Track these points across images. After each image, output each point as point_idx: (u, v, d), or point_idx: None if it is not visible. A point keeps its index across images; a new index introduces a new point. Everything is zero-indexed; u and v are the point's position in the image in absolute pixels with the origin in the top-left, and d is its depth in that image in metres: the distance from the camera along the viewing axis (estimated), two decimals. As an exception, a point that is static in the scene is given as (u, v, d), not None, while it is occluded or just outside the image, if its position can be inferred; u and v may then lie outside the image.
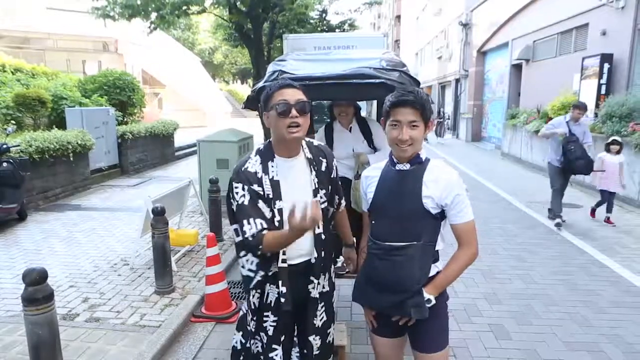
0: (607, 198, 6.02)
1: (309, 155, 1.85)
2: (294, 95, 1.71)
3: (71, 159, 7.51)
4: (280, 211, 1.74)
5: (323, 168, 1.87)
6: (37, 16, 17.27)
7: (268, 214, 1.72)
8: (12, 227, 5.76)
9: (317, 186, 1.82)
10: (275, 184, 1.75)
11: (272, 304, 1.82)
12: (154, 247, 3.77)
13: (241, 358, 1.99)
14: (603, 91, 8.74)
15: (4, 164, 5.55)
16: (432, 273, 1.73)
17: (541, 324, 3.42)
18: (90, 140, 8.05)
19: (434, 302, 1.69)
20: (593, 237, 5.48)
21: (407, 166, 1.72)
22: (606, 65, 8.72)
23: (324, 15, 14.95)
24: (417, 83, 2.59)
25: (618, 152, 5.90)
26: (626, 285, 4.14)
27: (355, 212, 2.77)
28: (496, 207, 7.14)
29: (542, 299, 3.86)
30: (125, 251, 4.88)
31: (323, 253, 1.84)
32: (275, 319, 1.84)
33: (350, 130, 3.21)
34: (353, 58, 2.87)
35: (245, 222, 1.68)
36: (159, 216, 3.73)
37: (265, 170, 1.75)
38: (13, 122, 8.10)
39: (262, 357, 1.88)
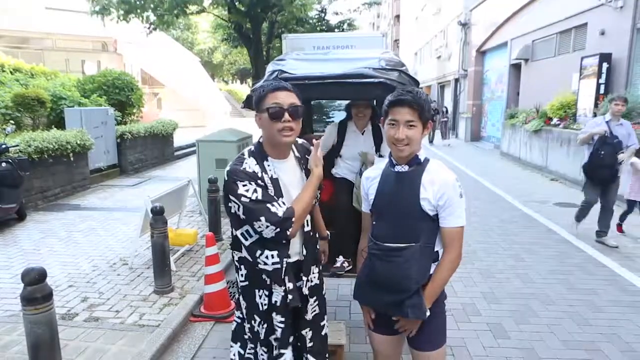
0: (633, 207, 5.38)
1: (298, 154, 1.90)
2: (287, 98, 1.70)
3: (70, 158, 7.51)
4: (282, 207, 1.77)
5: (309, 166, 1.92)
6: (36, 16, 17.24)
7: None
8: (11, 227, 5.76)
9: (306, 179, 1.87)
10: (275, 182, 1.76)
11: (279, 304, 1.81)
12: (153, 246, 3.77)
13: None
14: (602, 91, 8.74)
15: (3, 164, 5.54)
16: (431, 272, 1.74)
17: (539, 323, 3.43)
18: (89, 140, 8.04)
19: (429, 313, 1.69)
20: (591, 237, 5.49)
21: (406, 168, 1.72)
22: (605, 65, 8.73)
23: (323, 15, 14.95)
24: (417, 83, 2.59)
25: None
26: (624, 284, 4.16)
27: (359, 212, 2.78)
28: (495, 207, 7.15)
29: (540, 298, 3.87)
30: (124, 251, 4.88)
31: (310, 249, 1.89)
32: (283, 319, 1.82)
33: (363, 134, 3.22)
34: (352, 58, 2.87)
35: (270, 207, 1.66)
36: (158, 216, 3.73)
37: (264, 170, 1.75)
38: (12, 122, 8.09)
39: None
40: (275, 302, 1.81)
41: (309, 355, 1.92)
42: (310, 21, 14.31)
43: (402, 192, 1.71)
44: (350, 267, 3.11)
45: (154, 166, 11.11)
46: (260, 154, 1.78)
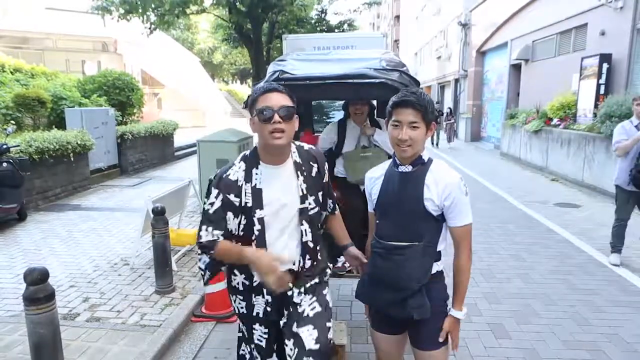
0: None
1: (298, 160, 1.78)
2: (278, 100, 1.65)
3: (71, 159, 7.51)
4: (261, 220, 1.69)
5: (313, 173, 1.80)
6: (36, 16, 17.24)
7: (234, 225, 1.70)
8: (12, 227, 5.77)
9: (304, 192, 1.74)
10: (257, 193, 1.69)
11: (261, 315, 1.79)
12: (154, 246, 3.78)
13: None
14: (602, 91, 8.75)
15: (4, 164, 5.55)
16: (433, 271, 1.75)
17: (540, 324, 3.43)
18: (89, 141, 8.05)
19: (466, 311, 1.79)
20: (592, 237, 5.49)
21: (410, 168, 1.73)
22: (605, 65, 8.74)
23: (323, 15, 14.95)
24: (417, 83, 2.59)
25: None
26: (625, 284, 4.16)
27: (360, 212, 2.83)
28: (495, 207, 7.15)
29: (541, 298, 3.87)
30: (125, 251, 4.88)
31: (308, 260, 1.78)
32: (266, 330, 1.81)
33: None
34: (353, 58, 2.88)
35: (204, 227, 1.70)
36: (159, 216, 3.74)
37: (248, 178, 1.70)
38: (13, 122, 8.09)
39: None
40: (257, 313, 1.79)
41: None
42: (311, 21, 14.32)
43: (405, 192, 1.72)
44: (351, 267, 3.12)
45: (154, 166, 11.11)
46: (253, 159, 1.73)
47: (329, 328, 1.82)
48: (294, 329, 1.74)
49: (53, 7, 17.88)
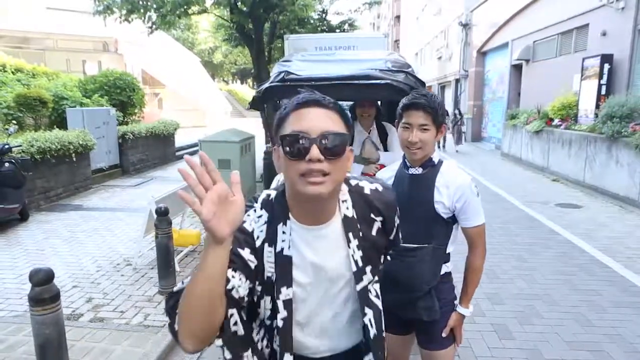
0: None
1: (350, 214, 1.13)
2: (320, 121, 1.02)
3: (72, 159, 7.52)
4: (288, 304, 1.07)
5: (374, 231, 1.17)
6: (37, 16, 17.24)
7: (244, 290, 1.02)
8: (14, 227, 5.77)
9: (361, 264, 1.12)
10: (284, 262, 1.08)
11: None
12: (157, 247, 3.78)
13: None
14: (603, 92, 8.75)
15: (6, 164, 5.56)
16: (442, 272, 1.76)
17: (543, 324, 3.43)
18: (91, 141, 8.06)
19: (471, 310, 1.82)
20: (594, 238, 5.50)
21: (420, 170, 1.74)
22: (606, 66, 8.74)
23: (324, 15, 14.94)
24: (423, 84, 2.60)
25: None
26: (627, 285, 4.16)
27: None
28: (496, 207, 7.15)
29: (544, 299, 3.87)
30: (128, 251, 4.89)
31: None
32: None
33: (369, 133, 3.25)
34: (359, 59, 2.89)
35: (180, 282, 1.02)
36: (162, 216, 3.74)
37: (272, 238, 1.09)
38: (14, 122, 8.10)
39: None
40: None
41: None
42: (312, 22, 14.31)
43: (416, 195, 1.72)
44: None
45: (155, 166, 11.13)
46: (280, 209, 1.11)
47: None
48: None
49: (53, 7, 17.89)
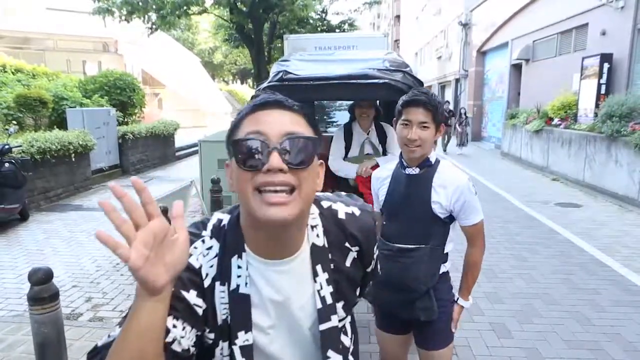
0: None
1: (321, 242, 0.93)
2: (281, 124, 0.82)
3: (72, 159, 7.53)
4: (247, 350, 0.87)
5: (349, 262, 0.97)
6: (37, 16, 17.27)
7: (186, 343, 0.81)
8: (14, 228, 5.77)
9: (330, 301, 0.93)
10: (240, 302, 0.87)
11: None
12: (156, 246, 3.78)
13: None
14: (603, 91, 8.75)
15: (6, 165, 5.56)
16: (440, 272, 1.76)
17: (542, 323, 3.43)
18: (91, 141, 8.06)
19: (471, 302, 1.85)
20: (593, 237, 5.50)
21: (417, 170, 1.71)
22: (606, 65, 8.74)
23: (324, 15, 14.96)
24: (421, 84, 2.60)
25: None
26: (626, 284, 4.16)
27: None
28: (496, 207, 7.15)
29: (543, 298, 3.87)
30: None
31: None
32: None
33: (368, 134, 3.24)
34: (357, 59, 2.90)
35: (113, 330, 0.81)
36: (163, 216, 3.74)
37: (224, 274, 0.87)
38: (14, 122, 8.12)
39: None
40: None
41: None
42: (311, 22, 14.33)
43: (413, 195, 1.71)
44: None
45: (155, 166, 11.13)
46: (232, 241, 0.89)
47: None
48: None
49: (54, 8, 17.91)
